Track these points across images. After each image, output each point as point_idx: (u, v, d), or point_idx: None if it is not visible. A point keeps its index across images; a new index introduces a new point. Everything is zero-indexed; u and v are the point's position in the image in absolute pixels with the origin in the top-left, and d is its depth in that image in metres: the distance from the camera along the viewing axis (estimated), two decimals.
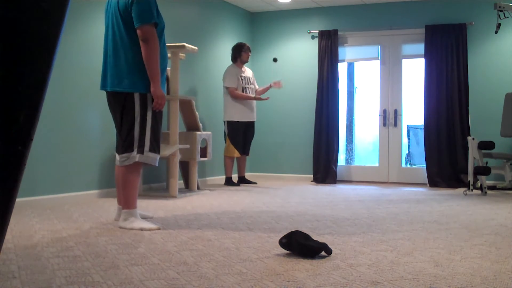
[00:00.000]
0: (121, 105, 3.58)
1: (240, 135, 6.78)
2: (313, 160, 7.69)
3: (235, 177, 7.11)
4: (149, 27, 3.46)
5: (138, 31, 3.48)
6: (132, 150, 3.56)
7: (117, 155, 3.73)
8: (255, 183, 7.04)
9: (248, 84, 6.84)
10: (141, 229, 3.48)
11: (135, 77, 3.53)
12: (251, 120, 6.87)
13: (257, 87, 7.06)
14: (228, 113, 6.74)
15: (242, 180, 7.03)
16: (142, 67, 3.52)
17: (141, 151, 3.55)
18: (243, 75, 6.81)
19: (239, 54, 6.82)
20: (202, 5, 7.16)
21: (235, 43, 7.07)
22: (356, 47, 7.91)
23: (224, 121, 6.84)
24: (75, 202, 4.90)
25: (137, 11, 3.45)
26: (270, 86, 7.04)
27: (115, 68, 3.56)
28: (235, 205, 4.89)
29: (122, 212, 3.62)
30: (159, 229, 3.52)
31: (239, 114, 6.73)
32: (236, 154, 6.76)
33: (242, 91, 6.74)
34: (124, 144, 3.60)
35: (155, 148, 3.60)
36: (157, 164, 3.69)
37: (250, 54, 6.94)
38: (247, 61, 6.91)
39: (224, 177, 7.02)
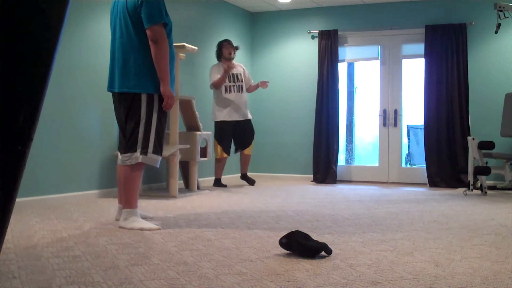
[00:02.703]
0: (127, 105, 3.58)
1: (227, 135, 6.57)
2: (313, 160, 7.69)
3: (235, 178, 7.10)
4: (159, 27, 3.47)
5: (147, 32, 3.49)
6: (135, 150, 3.55)
7: (119, 154, 3.73)
8: (254, 181, 6.90)
9: (234, 82, 6.55)
10: (141, 229, 3.48)
11: (143, 78, 3.53)
12: (240, 119, 6.59)
13: (252, 83, 6.82)
14: (214, 113, 6.58)
15: (243, 177, 6.92)
16: (151, 68, 3.53)
17: (144, 152, 3.55)
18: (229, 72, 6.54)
19: (220, 51, 6.61)
20: (202, 5, 7.16)
21: (235, 43, 7.06)
22: (356, 47, 7.91)
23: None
24: (75, 202, 4.90)
25: (147, 11, 3.46)
26: (258, 85, 6.80)
27: (123, 69, 3.57)
28: (235, 205, 4.89)
29: (123, 211, 3.62)
30: (159, 229, 3.52)
31: (224, 114, 6.50)
32: (224, 155, 6.59)
33: (226, 90, 6.49)
34: (128, 143, 3.60)
35: (158, 150, 3.61)
36: (158, 166, 3.70)
37: (232, 49, 6.60)
38: (229, 57, 6.56)
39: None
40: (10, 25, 1.54)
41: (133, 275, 2.38)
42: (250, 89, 6.84)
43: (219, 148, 6.59)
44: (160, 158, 3.65)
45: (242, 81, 6.66)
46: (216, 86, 6.47)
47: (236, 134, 6.68)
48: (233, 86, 6.57)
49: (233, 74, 6.57)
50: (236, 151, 6.83)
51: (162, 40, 3.48)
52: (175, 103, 5.46)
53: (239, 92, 6.61)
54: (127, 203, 3.61)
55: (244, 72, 6.75)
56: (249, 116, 6.75)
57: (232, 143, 6.77)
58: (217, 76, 6.44)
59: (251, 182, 6.91)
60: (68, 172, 5.03)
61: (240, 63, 6.98)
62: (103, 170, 5.41)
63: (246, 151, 6.80)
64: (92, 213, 4.27)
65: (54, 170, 4.89)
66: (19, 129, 1.56)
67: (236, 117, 6.57)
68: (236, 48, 6.70)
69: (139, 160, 3.55)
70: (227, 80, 6.50)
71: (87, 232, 3.45)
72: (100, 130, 5.39)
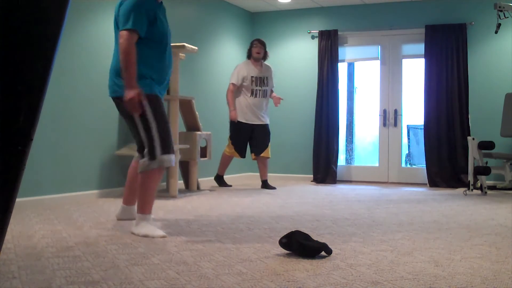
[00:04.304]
0: (122, 110, 3.56)
1: (242, 137, 6.46)
2: (313, 160, 7.69)
3: (235, 178, 7.06)
4: (125, 32, 3.39)
5: (119, 35, 3.46)
6: (144, 157, 3.45)
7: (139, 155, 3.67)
8: (274, 188, 6.56)
9: (260, 86, 6.43)
10: (146, 236, 3.32)
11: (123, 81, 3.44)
12: (258, 123, 6.43)
13: (273, 88, 6.67)
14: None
15: (264, 185, 6.54)
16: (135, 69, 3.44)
17: (153, 157, 3.42)
18: (255, 75, 6.42)
19: (250, 50, 6.52)
20: (202, 5, 7.16)
21: (235, 43, 7.04)
22: (356, 47, 7.91)
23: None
24: (75, 202, 4.90)
25: (121, 16, 3.45)
26: (274, 97, 6.66)
27: (112, 72, 3.57)
28: (235, 205, 4.89)
29: (137, 215, 3.50)
30: (165, 237, 3.31)
31: (243, 115, 6.40)
32: (235, 154, 6.53)
33: (252, 94, 6.40)
34: (139, 150, 3.61)
35: (166, 149, 3.44)
36: (173, 164, 3.52)
37: (259, 48, 6.45)
38: (257, 57, 6.46)
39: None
40: (11, 25, 1.54)
41: (133, 275, 2.38)
42: (274, 98, 6.68)
43: (231, 146, 6.51)
44: (171, 156, 3.47)
45: (267, 86, 6.53)
46: (227, 94, 6.43)
47: (252, 138, 6.49)
48: (259, 90, 6.45)
49: (261, 77, 6.46)
50: (252, 156, 6.57)
51: (126, 44, 3.38)
52: (175, 103, 5.46)
53: (264, 97, 6.49)
54: (139, 207, 3.48)
55: (271, 75, 6.59)
56: (267, 121, 6.57)
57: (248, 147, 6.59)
58: (237, 80, 6.35)
59: (271, 188, 6.52)
60: (68, 172, 5.03)
61: (238, 62, 6.93)
62: (103, 170, 5.41)
63: (264, 153, 6.50)
64: (92, 213, 4.27)
65: (54, 170, 4.89)
66: (19, 129, 1.56)
67: (254, 121, 6.43)
68: (265, 49, 6.54)
69: (152, 167, 3.43)
70: (253, 84, 6.41)
71: (87, 232, 3.45)
72: (100, 130, 5.39)
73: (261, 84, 6.47)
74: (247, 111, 6.42)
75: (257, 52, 6.46)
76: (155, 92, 3.51)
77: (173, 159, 3.50)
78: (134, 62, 3.39)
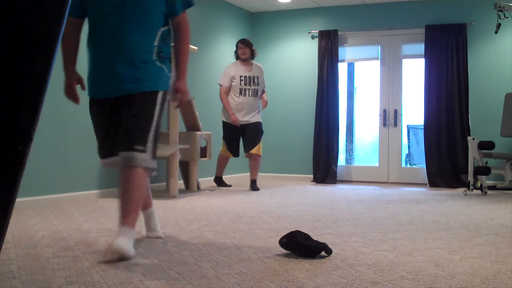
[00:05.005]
0: None
1: (234, 138, 6.44)
2: (313, 160, 7.69)
3: (235, 178, 7.06)
4: None
5: None
6: None
7: None
8: (258, 189, 6.46)
9: (250, 85, 6.36)
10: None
11: None
12: (247, 123, 6.35)
13: (265, 88, 6.60)
14: (222, 113, 6.47)
15: (252, 185, 6.41)
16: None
17: None
18: (244, 74, 6.36)
19: (236, 52, 6.49)
20: (202, 5, 7.16)
21: (235, 43, 7.03)
22: (356, 47, 7.92)
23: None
24: (75, 202, 4.90)
25: None
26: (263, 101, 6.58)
27: None
28: (235, 205, 4.89)
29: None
30: (160, 237, 3.26)
31: (229, 116, 6.36)
32: (229, 154, 6.52)
33: (240, 93, 6.36)
34: None
35: (100, 153, 3.38)
36: (105, 166, 3.34)
37: (244, 49, 6.36)
38: (243, 58, 6.39)
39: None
40: (11, 25, 1.54)
41: (133, 275, 2.38)
42: (263, 100, 6.58)
43: (225, 146, 6.51)
44: (102, 160, 3.30)
45: (258, 85, 6.43)
46: (220, 97, 6.40)
47: (244, 136, 6.44)
48: (248, 89, 6.36)
49: (250, 76, 6.38)
50: (245, 153, 6.51)
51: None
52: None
53: (254, 96, 6.39)
54: None
55: (261, 75, 6.50)
56: (259, 120, 6.47)
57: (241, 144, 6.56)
58: (227, 82, 6.32)
59: (256, 189, 6.37)
60: (68, 172, 5.03)
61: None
62: (103, 170, 5.40)
63: (254, 150, 6.38)
64: (92, 213, 4.27)
65: (54, 170, 4.89)
66: (19, 129, 1.56)
67: (244, 121, 6.35)
68: (251, 48, 6.40)
69: None
70: (242, 83, 6.34)
71: (87, 232, 3.45)
72: None
73: (250, 83, 6.39)
74: (238, 112, 6.34)
75: (242, 53, 6.40)
76: (89, 95, 3.26)
77: (105, 162, 3.25)
78: (65, 48, 3.10)
